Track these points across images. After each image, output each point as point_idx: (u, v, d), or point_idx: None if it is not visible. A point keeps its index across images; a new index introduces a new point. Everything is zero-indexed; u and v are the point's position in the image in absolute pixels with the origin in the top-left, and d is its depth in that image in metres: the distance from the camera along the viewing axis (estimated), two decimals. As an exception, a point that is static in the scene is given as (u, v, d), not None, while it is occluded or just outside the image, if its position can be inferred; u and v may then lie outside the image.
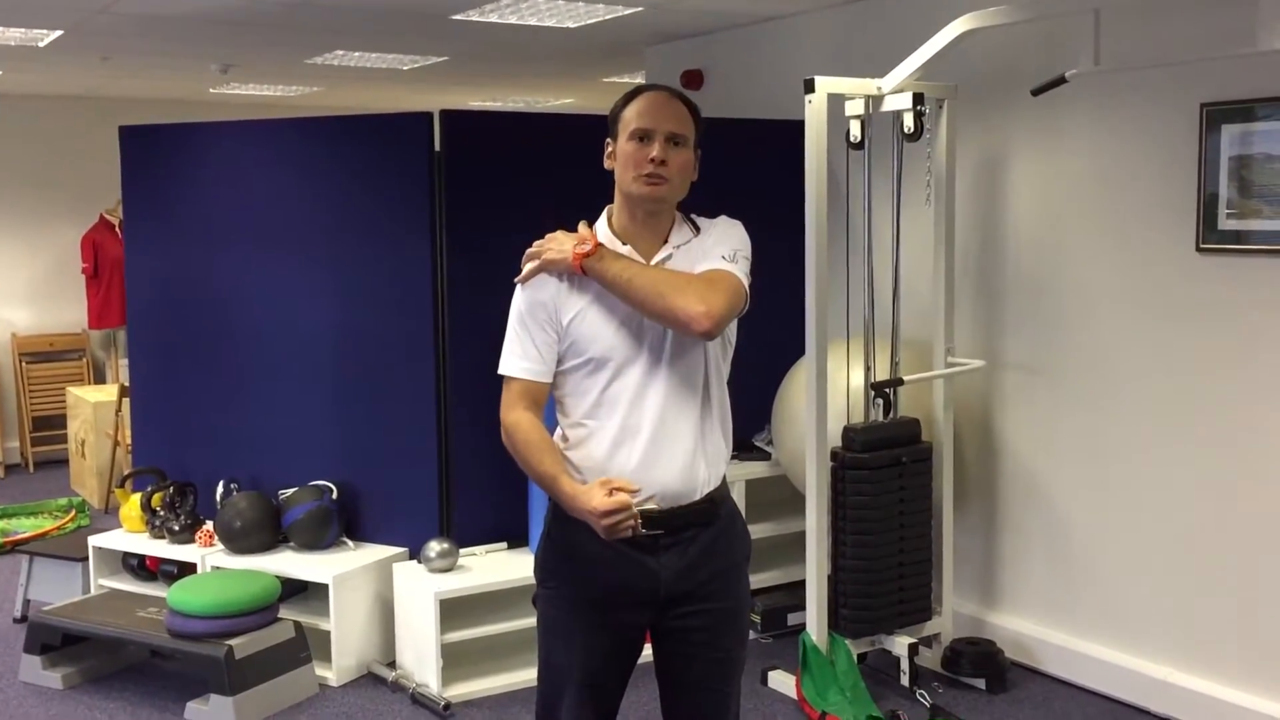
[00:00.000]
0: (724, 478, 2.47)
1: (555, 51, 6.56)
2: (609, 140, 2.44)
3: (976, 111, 4.49)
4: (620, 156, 2.39)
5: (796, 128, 4.07)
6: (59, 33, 5.68)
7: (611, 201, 2.46)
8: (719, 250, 2.39)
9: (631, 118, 2.37)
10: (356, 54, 6.58)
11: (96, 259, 8.19)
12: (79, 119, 8.52)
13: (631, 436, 2.35)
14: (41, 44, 5.99)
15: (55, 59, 6.57)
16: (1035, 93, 3.96)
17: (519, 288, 2.42)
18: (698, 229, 2.47)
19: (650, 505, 2.34)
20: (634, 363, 2.36)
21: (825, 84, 3.97)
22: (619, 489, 2.24)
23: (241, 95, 8.49)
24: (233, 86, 8.01)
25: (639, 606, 2.41)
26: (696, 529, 2.40)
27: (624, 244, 2.40)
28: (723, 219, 2.50)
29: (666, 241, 2.42)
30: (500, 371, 2.42)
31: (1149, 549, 4.06)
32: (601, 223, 2.46)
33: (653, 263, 2.39)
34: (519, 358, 2.39)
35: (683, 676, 2.47)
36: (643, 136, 2.35)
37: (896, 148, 4.26)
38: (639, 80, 7.64)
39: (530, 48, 6.41)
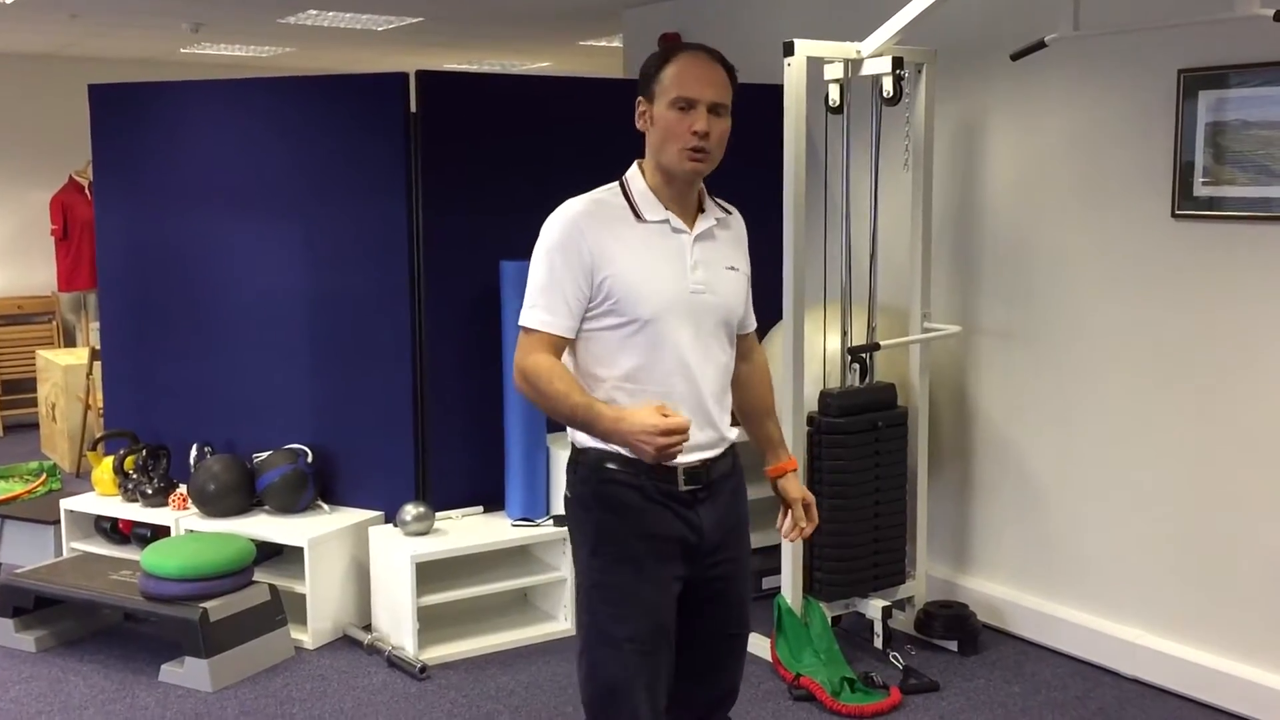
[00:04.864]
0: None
1: (532, 12, 6.49)
2: (640, 99, 2.35)
3: (955, 76, 4.48)
4: (659, 123, 2.30)
5: (775, 92, 4.05)
6: (26, -11, 5.60)
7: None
8: (748, 291, 2.53)
9: (671, 84, 2.28)
10: (330, 13, 6.49)
11: (66, 221, 8.09)
12: (47, 79, 8.39)
13: (677, 397, 2.32)
14: (8, 0, 5.89)
15: (23, 16, 6.46)
16: (1014, 57, 3.95)
17: (550, 225, 2.31)
18: (722, 210, 2.48)
19: (693, 460, 2.36)
20: (678, 322, 2.32)
21: (804, 47, 3.95)
22: (671, 415, 2.16)
23: (212, 55, 8.37)
24: (204, 46, 7.91)
25: (684, 559, 2.40)
26: (723, 479, 2.45)
27: (665, 208, 2.36)
28: (736, 217, 2.52)
29: (703, 211, 2.41)
30: (522, 323, 2.31)
31: (1120, 513, 4.10)
32: (635, 176, 2.38)
33: (695, 233, 2.37)
34: (543, 310, 2.28)
35: (708, 624, 2.48)
36: (685, 105, 2.27)
37: (875, 112, 4.25)
38: (616, 44, 7.57)
39: (506, 8, 6.34)
